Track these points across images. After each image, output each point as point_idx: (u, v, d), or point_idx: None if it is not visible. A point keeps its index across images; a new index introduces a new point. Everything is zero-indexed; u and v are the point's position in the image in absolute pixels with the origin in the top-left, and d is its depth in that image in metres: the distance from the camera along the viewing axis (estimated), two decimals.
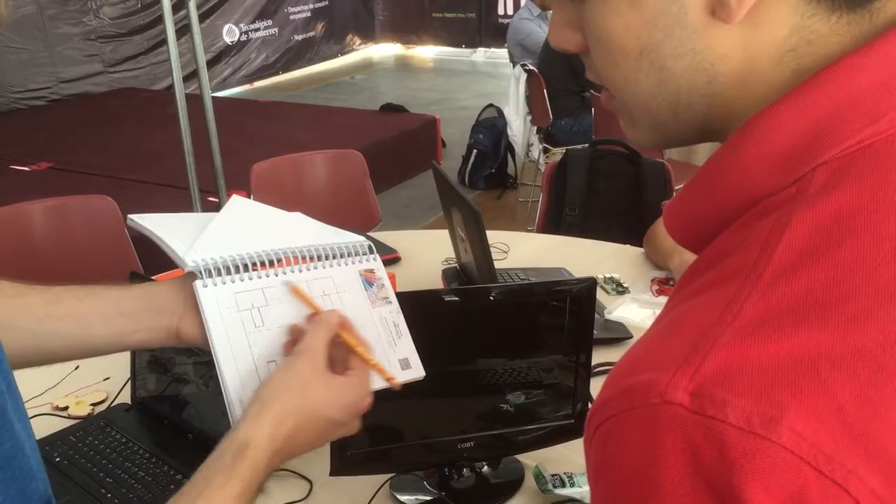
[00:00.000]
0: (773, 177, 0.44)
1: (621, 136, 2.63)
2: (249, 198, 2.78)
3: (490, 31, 10.19)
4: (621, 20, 0.46)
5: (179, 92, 3.48)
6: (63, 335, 0.78)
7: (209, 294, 0.78)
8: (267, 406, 0.71)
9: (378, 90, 8.60)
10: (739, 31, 0.43)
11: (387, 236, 2.35)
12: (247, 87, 8.77)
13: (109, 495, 1.23)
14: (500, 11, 10.08)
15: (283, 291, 0.82)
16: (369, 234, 2.46)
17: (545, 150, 4.70)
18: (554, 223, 2.72)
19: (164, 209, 3.13)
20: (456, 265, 2.02)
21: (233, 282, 0.80)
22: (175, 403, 1.39)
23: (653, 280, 1.94)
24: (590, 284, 1.25)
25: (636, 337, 1.68)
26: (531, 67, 4.56)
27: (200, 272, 0.78)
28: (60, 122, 6.13)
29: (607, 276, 2.00)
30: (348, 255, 0.87)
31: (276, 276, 0.83)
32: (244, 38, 8.73)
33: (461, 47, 10.47)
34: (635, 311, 1.82)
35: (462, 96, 8.04)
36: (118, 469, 1.29)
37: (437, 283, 1.97)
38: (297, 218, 0.92)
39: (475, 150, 5.16)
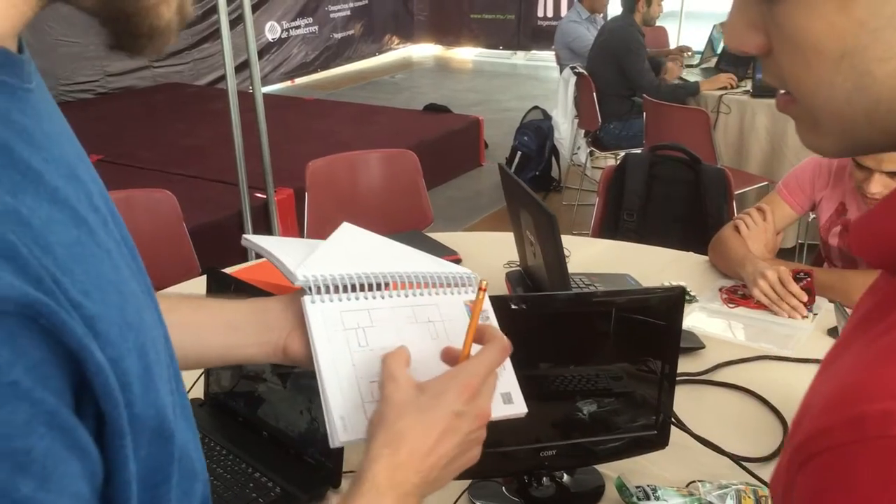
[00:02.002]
0: None
1: (674, 140, 2.60)
2: (304, 196, 2.78)
3: (529, 33, 10.15)
4: (824, 22, 0.44)
5: (232, 87, 3.49)
6: (176, 345, 0.78)
7: (316, 310, 0.79)
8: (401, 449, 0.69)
9: (418, 90, 8.60)
10: None
11: (447, 237, 2.33)
12: (287, 83, 8.83)
13: None
14: (540, 14, 10.03)
15: (390, 315, 0.82)
16: (424, 232, 2.45)
17: (591, 154, 4.67)
18: (610, 228, 2.69)
19: (214, 203, 3.16)
20: (519, 268, 2.01)
21: (340, 300, 0.80)
22: (249, 400, 1.39)
23: (721, 289, 1.91)
24: (678, 293, 1.22)
25: (709, 347, 1.66)
26: (581, 70, 4.53)
27: (310, 288, 0.79)
28: (108, 115, 6.20)
29: (672, 283, 1.97)
30: (454, 286, 0.88)
31: (384, 298, 0.83)
32: (285, 35, 8.79)
33: (500, 49, 10.44)
34: (705, 320, 1.79)
35: (503, 98, 8.02)
36: None
37: (499, 286, 1.96)
38: (404, 247, 0.93)
39: (519, 152, 5.13)
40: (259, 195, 4.00)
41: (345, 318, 0.80)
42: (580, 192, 4.65)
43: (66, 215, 0.41)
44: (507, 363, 0.84)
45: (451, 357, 0.79)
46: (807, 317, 1.78)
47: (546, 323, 1.22)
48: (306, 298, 0.79)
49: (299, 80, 8.98)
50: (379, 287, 0.83)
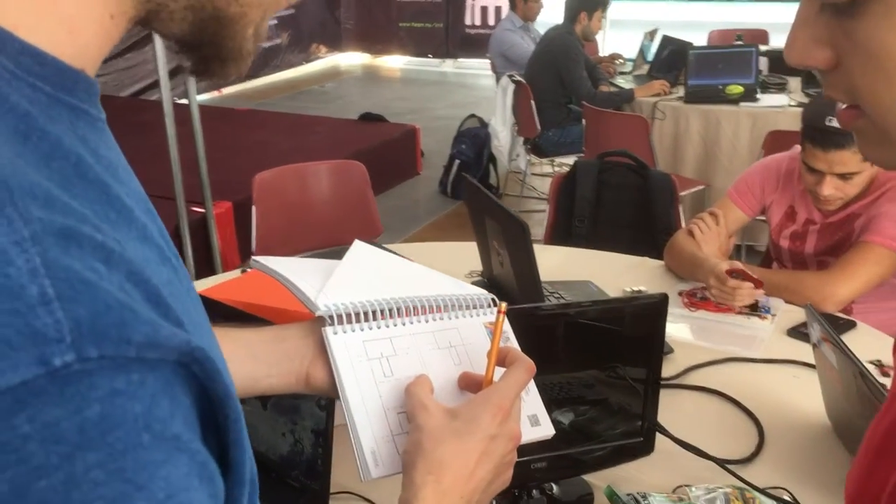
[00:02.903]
0: None
1: (614, 146, 2.63)
2: (243, 209, 2.71)
3: (458, 41, 10.19)
4: None
5: (166, 97, 3.40)
6: None
7: (340, 342, 0.77)
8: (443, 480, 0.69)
9: (350, 99, 8.55)
10: None
11: (404, 248, 2.31)
12: (214, 94, 8.64)
13: None
14: (468, 21, 10.09)
15: (411, 342, 0.81)
16: (377, 244, 2.42)
17: (530, 161, 4.71)
18: (562, 235, 2.71)
19: None
20: (482, 278, 2.00)
21: (361, 329, 0.79)
22: None
23: (680, 293, 1.94)
24: (661, 300, 1.23)
25: (677, 352, 1.68)
26: (518, 78, 4.57)
27: (332, 318, 0.77)
28: None
29: (634, 289, 2.00)
30: (472, 307, 0.86)
31: (404, 325, 0.81)
32: None
33: (428, 57, 10.46)
34: (669, 325, 1.80)
35: (435, 106, 8.03)
36: None
37: None
38: (418, 266, 0.92)
39: (458, 161, 5.14)
40: (196, 209, 3.89)
41: (368, 348, 0.78)
42: (521, 199, 4.69)
43: (155, 254, 0.39)
44: (532, 385, 0.83)
45: (470, 382, 0.78)
46: (766, 318, 1.82)
47: (529, 333, 1.21)
48: (328, 329, 0.77)
49: (227, 90, 8.80)
50: (399, 313, 0.81)
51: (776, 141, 3.32)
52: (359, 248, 0.89)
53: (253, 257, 0.86)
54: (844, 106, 0.51)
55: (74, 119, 0.39)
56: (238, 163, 4.69)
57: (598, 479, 1.29)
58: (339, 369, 0.75)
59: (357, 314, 0.78)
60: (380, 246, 2.33)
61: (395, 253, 2.32)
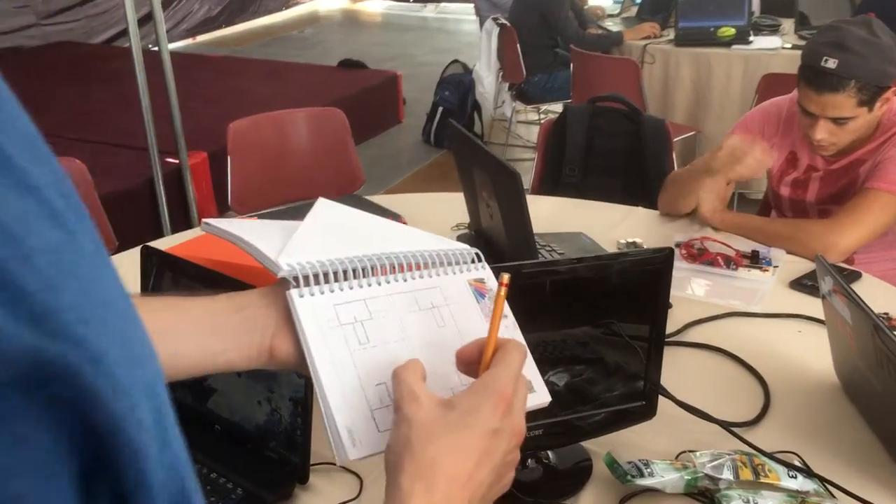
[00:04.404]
0: None
1: (602, 92, 2.52)
2: (218, 159, 2.59)
3: None
4: None
5: (136, 44, 3.24)
6: None
7: (307, 305, 0.66)
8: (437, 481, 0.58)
9: (329, 45, 8.32)
10: None
11: (386, 200, 2.21)
12: (189, 41, 8.39)
13: None
14: None
15: (389, 304, 0.71)
16: (359, 195, 2.31)
17: (515, 108, 4.58)
18: (550, 184, 2.61)
19: (122, 170, 2.92)
20: (469, 231, 1.90)
21: (332, 291, 0.68)
22: (198, 391, 1.25)
23: (678, 245, 1.85)
24: (666, 255, 1.14)
25: (675, 307, 1.59)
26: (504, 21, 4.41)
27: (296, 278, 0.66)
28: None
29: (628, 240, 1.91)
30: (455, 264, 0.76)
31: (380, 285, 0.71)
32: None
33: (409, 1, 10.20)
34: None
35: (417, 52, 7.83)
36: None
37: None
38: (390, 223, 0.81)
39: (441, 108, 5.00)
40: (170, 160, 3.75)
41: (339, 312, 0.68)
42: (506, 148, 4.57)
43: (43, 210, 0.28)
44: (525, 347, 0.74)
45: (467, 363, 0.67)
46: (767, 270, 1.74)
47: (520, 288, 1.12)
48: (293, 292, 0.66)
49: (202, 38, 8.55)
50: (374, 272, 0.71)
51: (770, 85, 3.21)
52: (323, 205, 0.78)
53: (204, 220, 0.75)
54: None
55: None
56: (214, 111, 4.53)
57: (596, 446, 1.21)
58: (307, 337, 0.65)
59: (325, 274, 0.68)
60: (360, 199, 2.22)
61: (374, 206, 2.21)
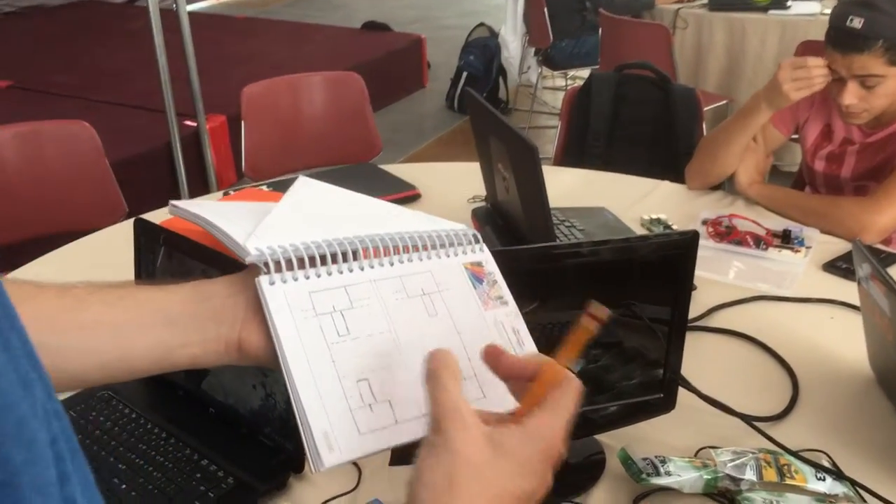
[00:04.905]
0: None
1: (633, 58, 2.42)
2: (239, 123, 2.52)
3: None
4: None
5: (153, 3, 3.16)
6: (91, 351, 0.58)
7: (278, 293, 0.59)
8: None
9: (353, 7, 8.18)
10: None
11: (402, 170, 2.13)
12: (213, 1, 8.30)
13: (124, 486, 1.03)
14: None
15: (372, 290, 0.63)
16: (373, 164, 2.23)
17: (541, 73, 4.46)
18: (575, 154, 2.52)
19: (139, 134, 2.86)
20: (485, 203, 1.82)
21: (307, 277, 0.61)
22: (192, 371, 1.19)
23: (705, 222, 1.75)
24: (691, 237, 1.06)
25: (700, 289, 1.51)
26: None
27: (266, 264, 0.59)
28: (17, 35, 5.70)
29: (653, 217, 1.82)
30: (450, 246, 0.68)
31: (363, 270, 0.64)
32: None
33: None
34: None
35: (442, 14, 7.68)
36: (131, 452, 1.09)
37: (465, 224, 1.77)
38: (378, 202, 0.73)
39: (465, 73, 4.89)
40: (189, 123, 3.70)
41: (316, 301, 0.60)
42: (531, 115, 4.46)
43: None
44: (527, 335, 0.69)
45: (509, 371, 0.60)
46: (799, 251, 1.64)
47: (542, 270, 1.04)
48: (263, 279, 0.59)
49: None
50: (355, 256, 0.64)
51: (808, 52, 3.05)
52: (304, 183, 0.71)
53: (171, 202, 0.68)
54: None
55: None
56: (234, 74, 4.46)
57: (610, 439, 1.14)
58: (278, 328, 0.58)
59: (300, 258, 0.61)
60: (375, 168, 2.15)
61: (389, 176, 2.14)
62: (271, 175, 2.45)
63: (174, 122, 3.42)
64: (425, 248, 0.67)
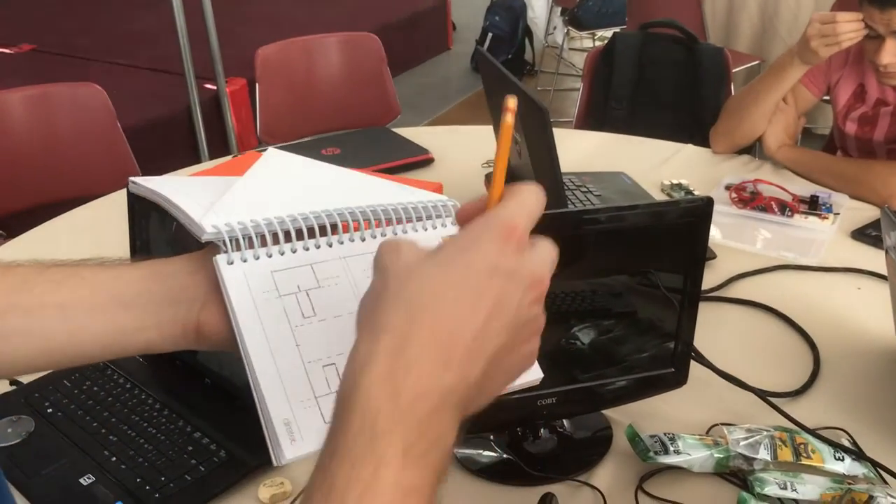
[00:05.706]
0: None
1: (661, 17, 2.32)
2: (255, 87, 2.47)
3: None
4: None
5: None
6: (36, 335, 0.54)
7: (237, 273, 0.55)
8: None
9: None
10: None
11: (416, 133, 2.07)
12: None
13: (114, 459, 1.01)
14: None
15: (341, 268, 0.58)
16: (387, 128, 2.18)
17: (568, 34, 4.35)
18: (596, 117, 2.44)
19: (159, 97, 2.81)
20: None
21: (269, 255, 0.56)
22: None
23: (728, 187, 1.68)
24: (705, 203, 1.00)
25: (720, 257, 1.45)
26: None
27: (224, 242, 0.55)
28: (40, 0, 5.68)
29: (674, 182, 1.75)
30: (427, 218, 0.63)
31: (331, 246, 0.59)
32: None
33: None
34: (712, 226, 1.57)
35: None
36: (124, 424, 1.07)
37: (478, 188, 1.72)
38: (356, 174, 0.68)
39: (490, 34, 4.78)
40: (209, 86, 3.66)
41: (279, 281, 0.56)
42: (557, 77, 4.36)
43: None
44: None
45: (470, 215, 0.47)
46: (826, 218, 1.57)
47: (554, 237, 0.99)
48: (220, 258, 0.55)
49: None
50: (323, 231, 0.59)
51: (843, 9, 2.94)
52: (272, 155, 0.66)
53: (130, 178, 0.64)
54: None
55: None
56: (254, 35, 4.39)
57: (618, 414, 1.10)
58: (237, 311, 0.54)
59: (262, 235, 0.56)
60: (387, 132, 2.09)
61: (401, 139, 2.08)
62: (287, 138, 2.40)
63: (193, 85, 3.38)
64: (400, 221, 0.62)
